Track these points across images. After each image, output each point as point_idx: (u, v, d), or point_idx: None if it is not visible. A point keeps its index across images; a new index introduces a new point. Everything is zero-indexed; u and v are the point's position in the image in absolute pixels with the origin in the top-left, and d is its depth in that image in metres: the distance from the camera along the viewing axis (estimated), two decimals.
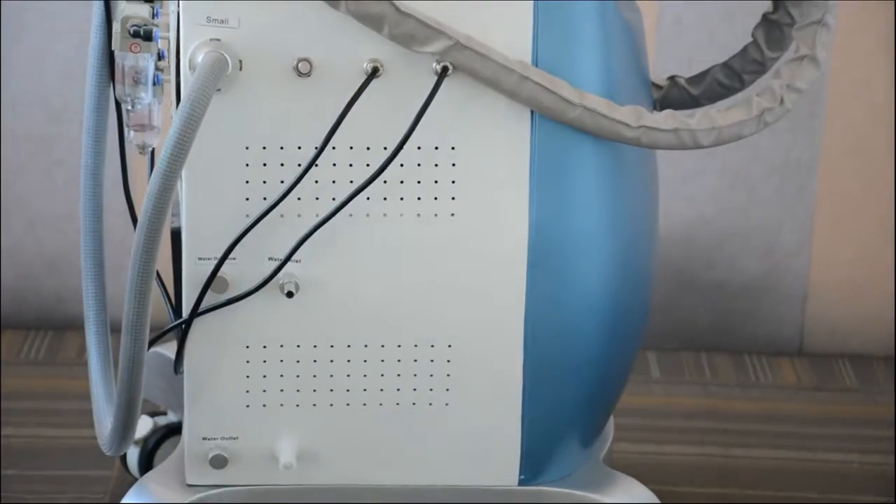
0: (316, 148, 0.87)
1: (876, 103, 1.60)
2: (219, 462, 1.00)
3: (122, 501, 0.99)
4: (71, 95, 1.32)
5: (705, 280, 1.65)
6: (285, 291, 0.93)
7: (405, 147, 0.88)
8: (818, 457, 1.40)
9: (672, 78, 1.08)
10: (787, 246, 1.61)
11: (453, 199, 0.91)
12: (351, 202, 0.89)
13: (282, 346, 0.96)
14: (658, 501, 1.10)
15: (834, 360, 1.60)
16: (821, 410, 1.51)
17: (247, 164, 0.88)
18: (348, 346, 0.97)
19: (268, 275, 0.89)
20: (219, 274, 0.90)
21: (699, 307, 1.66)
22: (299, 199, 0.91)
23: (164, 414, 1.26)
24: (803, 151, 1.58)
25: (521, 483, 1.06)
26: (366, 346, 0.97)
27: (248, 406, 0.96)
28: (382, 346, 0.97)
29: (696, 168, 1.53)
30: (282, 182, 0.90)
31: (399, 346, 0.98)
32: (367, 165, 0.88)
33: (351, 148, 0.87)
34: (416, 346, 0.97)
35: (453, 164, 0.90)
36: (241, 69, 0.84)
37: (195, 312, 0.90)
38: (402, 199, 0.91)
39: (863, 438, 1.43)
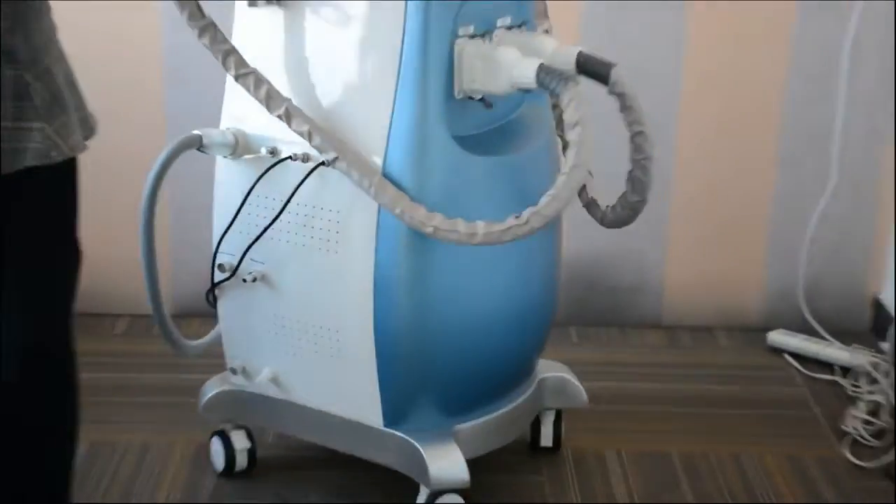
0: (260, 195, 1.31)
1: (709, 180, 2.20)
2: (234, 371, 1.49)
3: (206, 384, 1.51)
4: None
5: (604, 283, 2.22)
6: (241, 278, 1.40)
7: (318, 203, 1.31)
8: (669, 385, 2.00)
9: (607, 206, 1.50)
10: (651, 262, 2.21)
11: (337, 242, 1.34)
12: (290, 233, 1.33)
13: (260, 312, 1.44)
14: (466, 475, 1.39)
15: (678, 330, 2.22)
16: (670, 359, 2.15)
17: (242, 202, 1.35)
18: (290, 319, 1.42)
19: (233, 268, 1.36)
20: (221, 262, 1.40)
21: (600, 299, 2.23)
22: (266, 227, 1.34)
23: None
24: (658, 207, 2.04)
25: (384, 425, 1.44)
26: (297, 321, 1.42)
27: (248, 346, 1.46)
28: (306, 323, 1.41)
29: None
30: (257, 216, 1.35)
31: (314, 325, 1.41)
32: (290, 213, 1.30)
33: (283, 201, 1.30)
34: (321, 327, 1.40)
35: (338, 221, 1.32)
36: (238, 145, 1.32)
37: (213, 284, 1.40)
38: (312, 237, 1.35)
39: (694, 376, 2.06)
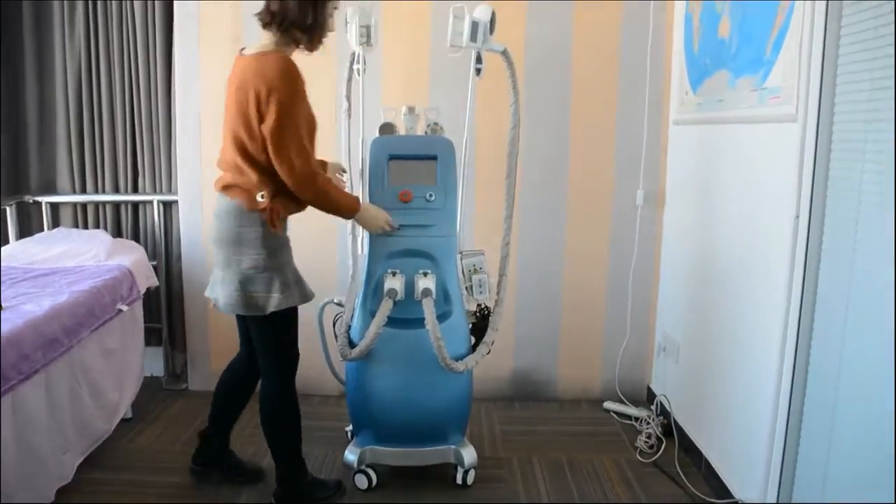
0: None
1: (577, 327, 3.01)
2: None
3: (347, 450, 2.34)
4: None
5: (530, 378, 3.16)
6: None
7: None
8: (559, 427, 2.90)
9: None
10: (550, 368, 3.18)
11: None
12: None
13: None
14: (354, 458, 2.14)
15: (564, 401, 3.17)
16: (560, 415, 3.01)
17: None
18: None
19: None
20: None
21: (528, 387, 3.12)
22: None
23: None
24: (551, 338, 2.98)
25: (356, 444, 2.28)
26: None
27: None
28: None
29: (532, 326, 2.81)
30: None
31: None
32: None
33: None
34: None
35: None
36: None
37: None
38: None
39: (570, 422, 2.94)
